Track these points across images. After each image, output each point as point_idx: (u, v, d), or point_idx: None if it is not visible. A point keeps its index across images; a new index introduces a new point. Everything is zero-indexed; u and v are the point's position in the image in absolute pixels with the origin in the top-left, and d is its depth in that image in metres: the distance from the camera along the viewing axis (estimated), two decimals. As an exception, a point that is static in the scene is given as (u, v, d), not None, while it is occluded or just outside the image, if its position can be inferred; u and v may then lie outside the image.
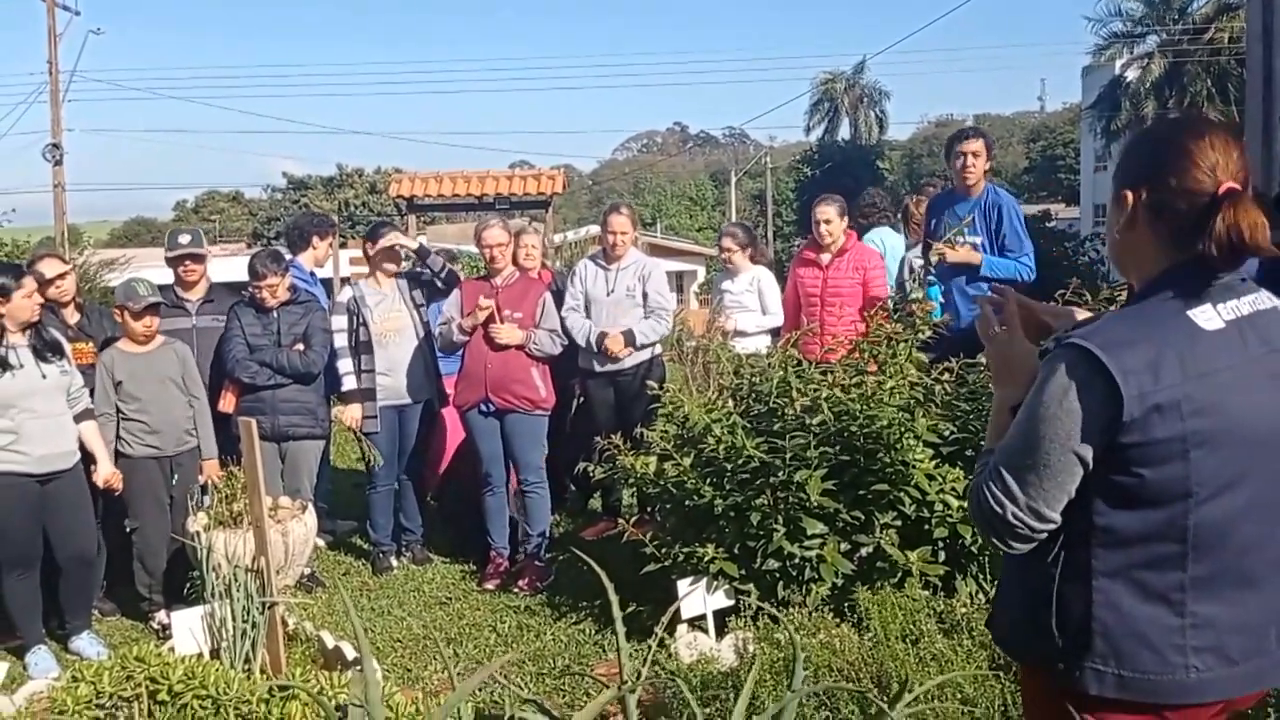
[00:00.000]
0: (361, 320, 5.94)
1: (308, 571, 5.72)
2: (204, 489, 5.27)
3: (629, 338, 5.91)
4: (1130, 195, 1.83)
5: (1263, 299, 1.84)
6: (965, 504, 4.19)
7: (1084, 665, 1.81)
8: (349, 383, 5.91)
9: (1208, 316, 1.76)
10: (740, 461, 4.45)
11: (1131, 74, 33.11)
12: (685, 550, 4.50)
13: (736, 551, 4.41)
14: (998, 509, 1.80)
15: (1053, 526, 1.80)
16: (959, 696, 3.11)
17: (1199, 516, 1.74)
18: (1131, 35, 33.90)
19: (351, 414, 5.90)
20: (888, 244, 7.07)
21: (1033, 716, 2.00)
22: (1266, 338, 1.80)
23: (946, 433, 4.43)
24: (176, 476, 5.28)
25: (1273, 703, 2.76)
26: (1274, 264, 1.79)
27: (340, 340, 5.93)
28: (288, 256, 6.32)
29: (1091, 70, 36.32)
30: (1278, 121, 11.15)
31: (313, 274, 6.74)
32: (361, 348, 5.93)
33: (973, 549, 4.20)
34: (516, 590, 5.60)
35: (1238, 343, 1.77)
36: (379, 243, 6.08)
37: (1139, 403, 1.70)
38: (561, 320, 5.93)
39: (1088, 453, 1.74)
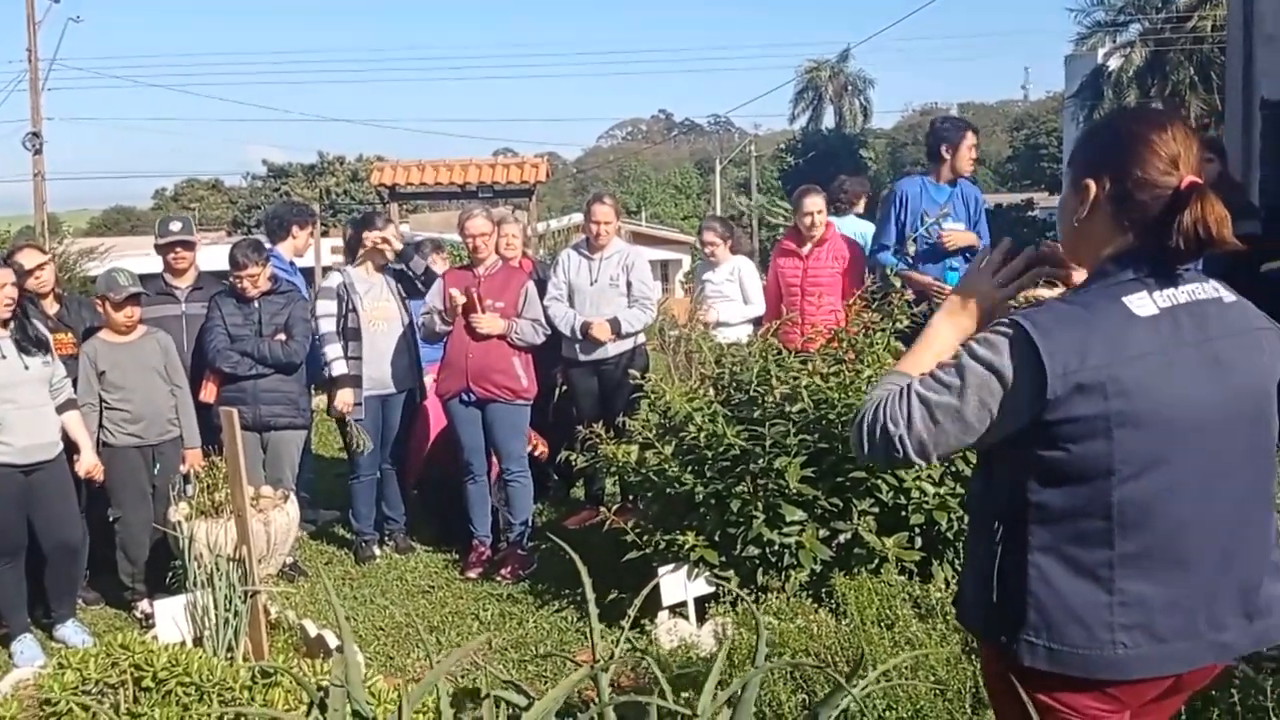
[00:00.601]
0: (351, 306, 5.95)
1: (290, 561, 5.75)
2: (186, 478, 5.29)
3: (614, 325, 5.94)
4: (1093, 185, 1.88)
5: (1205, 289, 1.89)
6: (940, 490, 4.27)
7: (1020, 638, 1.86)
8: (338, 368, 5.92)
9: (1143, 303, 1.82)
10: (721, 449, 4.50)
11: (1114, 63, 33.19)
12: (666, 538, 4.54)
13: (717, 539, 4.46)
14: (892, 427, 1.87)
15: (925, 464, 1.91)
16: (932, 677, 3.17)
17: (1122, 494, 1.79)
18: (1114, 24, 33.98)
19: (344, 398, 5.90)
20: (858, 233, 7.11)
21: (991, 692, 2.06)
22: (1203, 325, 1.85)
23: (923, 420, 4.47)
24: (159, 465, 5.30)
25: (1237, 683, 2.82)
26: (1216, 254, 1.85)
27: (329, 325, 5.93)
28: (267, 246, 6.32)
29: (1074, 59, 36.38)
30: (1258, 109, 11.23)
31: (292, 263, 6.75)
32: (349, 334, 5.94)
33: (948, 535, 4.26)
34: (499, 579, 5.63)
35: (1170, 329, 1.82)
36: (375, 232, 6.07)
37: (1062, 381, 1.76)
38: (544, 310, 5.95)
39: (1001, 417, 1.81)
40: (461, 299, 5.66)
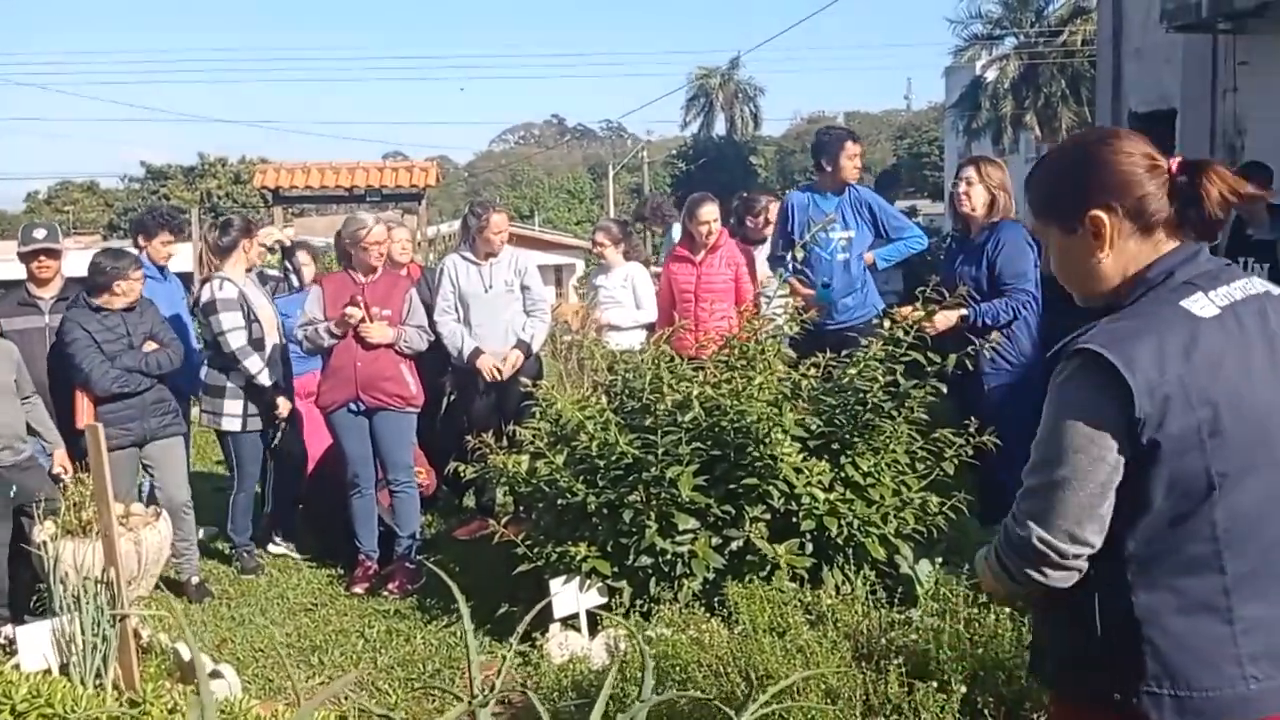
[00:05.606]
0: (254, 317, 5.80)
1: (196, 580, 5.58)
2: (56, 479, 5.03)
3: (525, 349, 5.94)
4: (1104, 214, 1.80)
5: (1255, 284, 1.80)
6: (831, 496, 4.29)
7: (1140, 691, 1.71)
8: (266, 378, 5.79)
9: (1201, 305, 1.73)
10: (613, 458, 4.45)
11: (991, 74, 34.36)
12: (558, 549, 4.48)
13: (609, 549, 4.41)
14: (1021, 532, 1.73)
15: (1089, 551, 1.71)
16: (823, 689, 3.16)
17: (1225, 508, 1.68)
18: (990, 36, 35.19)
19: (284, 405, 5.89)
20: None
21: None
22: (1264, 320, 1.76)
23: (813, 426, 4.51)
24: (14, 489, 4.95)
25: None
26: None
27: (240, 339, 5.75)
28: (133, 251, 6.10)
29: (953, 70, 37.56)
30: (1126, 120, 11.71)
31: (162, 268, 6.51)
32: (255, 345, 5.80)
33: (838, 540, 4.29)
34: (386, 594, 5.48)
35: (1235, 328, 1.73)
36: (257, 236, 5.99)
37: (1148, 396, 1.65)
38: (433, 324, 5.85)
39: (1112, 454, 1.68)
40: (360, 314, 5.50)
